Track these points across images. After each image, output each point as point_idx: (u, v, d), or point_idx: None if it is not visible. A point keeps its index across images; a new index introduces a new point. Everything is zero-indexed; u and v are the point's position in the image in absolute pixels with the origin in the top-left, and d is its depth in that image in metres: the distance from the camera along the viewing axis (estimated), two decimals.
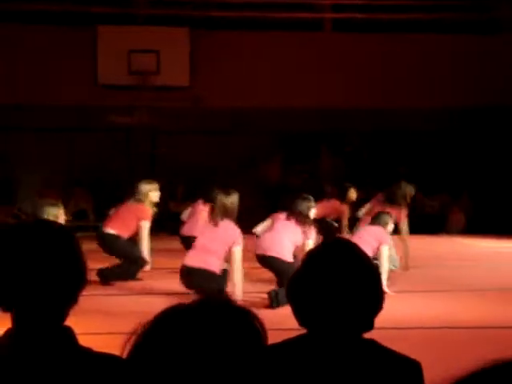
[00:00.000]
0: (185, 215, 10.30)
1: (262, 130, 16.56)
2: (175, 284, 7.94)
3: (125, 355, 1.27)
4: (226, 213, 7.58)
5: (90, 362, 1.69)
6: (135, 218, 9.20)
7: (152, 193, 9.31)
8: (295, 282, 1.99)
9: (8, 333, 1.70)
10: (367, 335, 2.00)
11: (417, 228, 15.48)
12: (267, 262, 7.88)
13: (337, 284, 1.92)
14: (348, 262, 1.97)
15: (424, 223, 15.65)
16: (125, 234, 9.19)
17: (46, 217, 8.37)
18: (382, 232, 8.73)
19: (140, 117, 16.44)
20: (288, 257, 7.80)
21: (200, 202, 10.01)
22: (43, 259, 1.69)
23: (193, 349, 1.19)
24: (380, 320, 2.04)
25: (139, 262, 9.14)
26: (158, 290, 8.33)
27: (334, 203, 11.50)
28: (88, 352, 1.71)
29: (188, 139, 16.09)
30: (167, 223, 15.22)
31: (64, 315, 1.75)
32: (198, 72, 16.30)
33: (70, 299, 1.74)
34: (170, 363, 1.19)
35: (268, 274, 8.22)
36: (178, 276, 9.38)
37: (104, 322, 6.71)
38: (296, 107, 16.53)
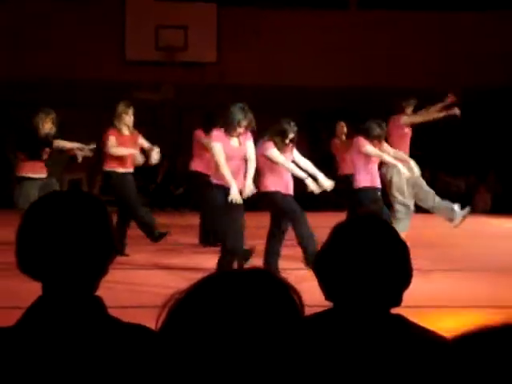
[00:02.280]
0: None
1: (287, 107, 16.52)
2: (200, 259, 7.98)
3: (158, 326, 1.24)
4: (223, 122, 7.20)
5: (120, 332, 1.70)
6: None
7: (126, 115, 8.97)
8: (323, 254, 1.99)
9: (38, 301, 1.71)
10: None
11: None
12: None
13: (365, 257, 1.92)
14: (377, 236, 1.96)
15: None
16: (114, 165, 8.96)
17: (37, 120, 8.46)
18: (357, 140, 8.59)
19: (167, 93, 16.47)
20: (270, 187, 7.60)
21: None
22: (74, 228, 1.71)
23: (228, 319, 1.15)
24: None
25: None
26: (181, 266, 8.37)
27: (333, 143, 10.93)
28: (118, 322, 1.73)
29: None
30: (191, 198, 15.26)
31: (94, 285, 1.76)
32: (225, 49, 16.27)
33: (99, 269, 1.76)
34: (204, 333, 1.15)
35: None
36: (202, 251, 9.46)
37: (130, 295, 6.76)
38: (321, 85, 16.45)
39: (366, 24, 16.79)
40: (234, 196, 6.88)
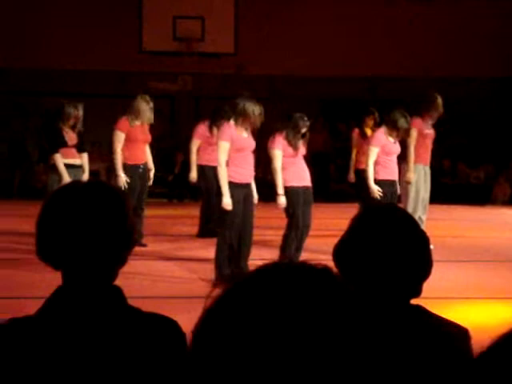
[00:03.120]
0: None
1: (305, 97, 16.47)
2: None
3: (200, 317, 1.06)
4: (235, 115, 7.03)
5: (140, 321, 1.71)
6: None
7: (147, 112, 8.85)
8: (343, 245, 1.97)
9: (58, 290, 1.72)
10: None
11: (462, 198, 15.37)
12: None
13: (385, 248, 1.91)
14: (397, 227, 1.95)
15: (469, 194, 15.49)
16: (125, 155, 8.86)
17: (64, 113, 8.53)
18: (375, 134, 8.59)
19: (184, 83, 16.47)
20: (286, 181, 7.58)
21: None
22: (93, 218, 1.71)
23: (277, 318, 0.98)
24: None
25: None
26: (199, 257, 8.38)
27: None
28: (138, 311, 1.73)
29: None
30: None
31: (113, 275, 1.76)
32: (242, 39, 16.22)
33: (118, 259, 1.76)
34: (250, 330, 0.98)
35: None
36: None
37: (148, 286, 6.78)
38: (340, 75, 16.39)
39: (382, 13, 16.69)
40: (225, 205, 6.85)
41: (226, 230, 6.99)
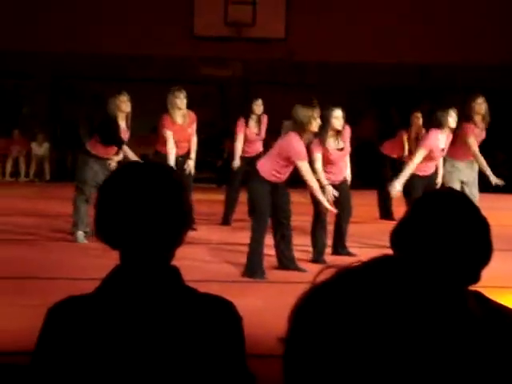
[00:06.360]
0: None
1: (355, 84, 16.35)
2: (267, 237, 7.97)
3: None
4: (294, 125, 7.04)
5: (197, 301, 1.71)
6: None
7: (177, 99, 9.00)
8: (401, 229, 1.95)
9: (116, 270, 1.73)
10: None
11: (502, 188, 15.09)
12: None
13: (445, 233, 1.88)
14: (457, 211, 1.92)
15: (509, 183, 15.21)
16: (160, 147, 9.07)
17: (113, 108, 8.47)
18: (429, 134, 8.40)
19: (234, 69, 16.48)
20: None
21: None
22: (152, 197, 1.72)
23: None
24: None
25: None
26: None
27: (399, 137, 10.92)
28: (194, 292, 1.74)
29: (281, 92, 16.02)
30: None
31: (170, 255, 1.77)
32: (294, 24, 16.16)
33: (176, 239, 1.76)
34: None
35: None
36: (269, 228, 9.45)
37: (198, 270, 6.81)
38: (391, 62, 16.22)
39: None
40: (323, 209, 7.13)
41: (258, 223, 7.02)
